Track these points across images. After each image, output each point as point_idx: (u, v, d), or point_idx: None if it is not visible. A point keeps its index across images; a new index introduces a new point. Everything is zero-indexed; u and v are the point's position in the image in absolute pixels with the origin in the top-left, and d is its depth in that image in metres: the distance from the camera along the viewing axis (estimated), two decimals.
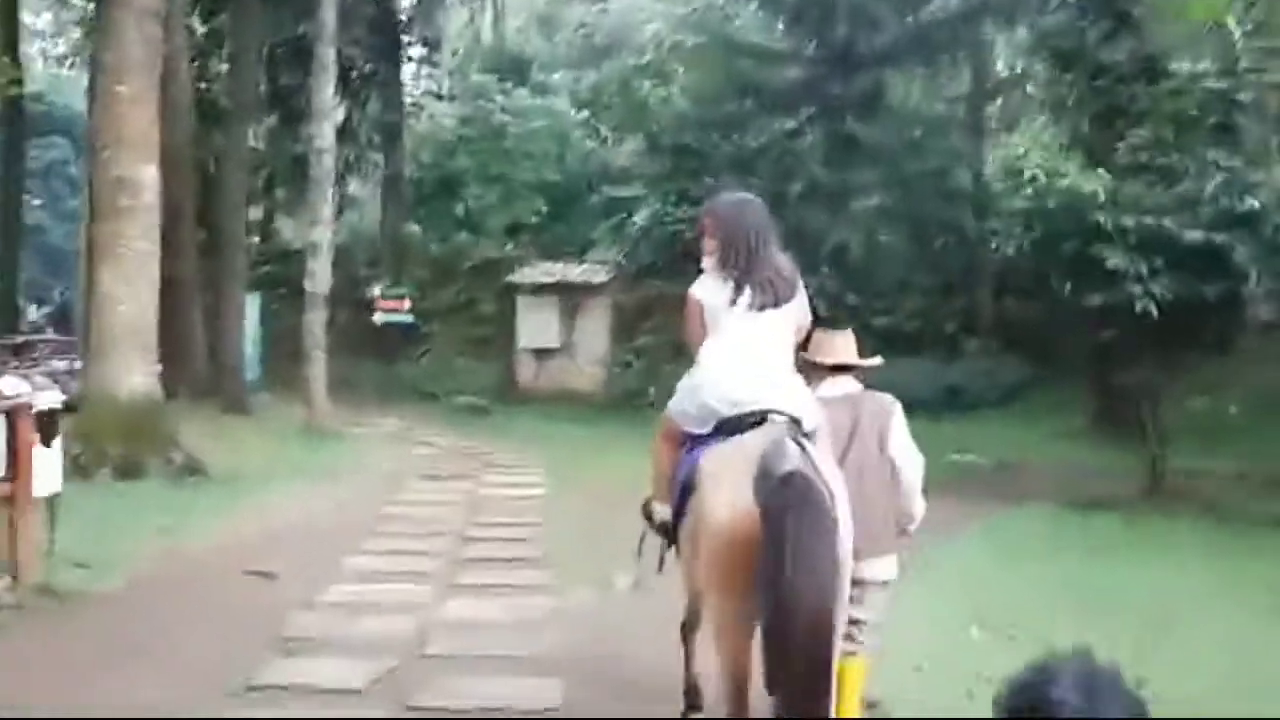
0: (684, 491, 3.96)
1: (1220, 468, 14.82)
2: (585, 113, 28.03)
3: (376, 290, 24.88)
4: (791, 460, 3.53)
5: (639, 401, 18.55)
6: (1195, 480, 13.56)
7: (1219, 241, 11.58)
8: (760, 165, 17.32)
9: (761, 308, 4.08)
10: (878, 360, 4.71)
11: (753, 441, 3.72)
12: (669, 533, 4.24)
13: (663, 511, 4.25)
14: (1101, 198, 12.05)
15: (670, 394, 4.34)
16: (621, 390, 21.74)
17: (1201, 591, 8.23)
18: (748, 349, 4.04)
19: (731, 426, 3.88)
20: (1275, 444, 14.43)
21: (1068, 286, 12.57)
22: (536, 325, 23.25)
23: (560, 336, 23.41)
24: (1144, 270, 11.83)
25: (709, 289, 4.17)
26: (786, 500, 3.44)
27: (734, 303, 4.09)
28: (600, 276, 22.98)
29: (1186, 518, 11.51)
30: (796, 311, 4.21)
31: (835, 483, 3.69)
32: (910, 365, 21.00)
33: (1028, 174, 12.60)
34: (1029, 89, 19.38)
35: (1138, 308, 11.72)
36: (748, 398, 3.91)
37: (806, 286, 4.40)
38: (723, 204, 4.40)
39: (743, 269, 4.10)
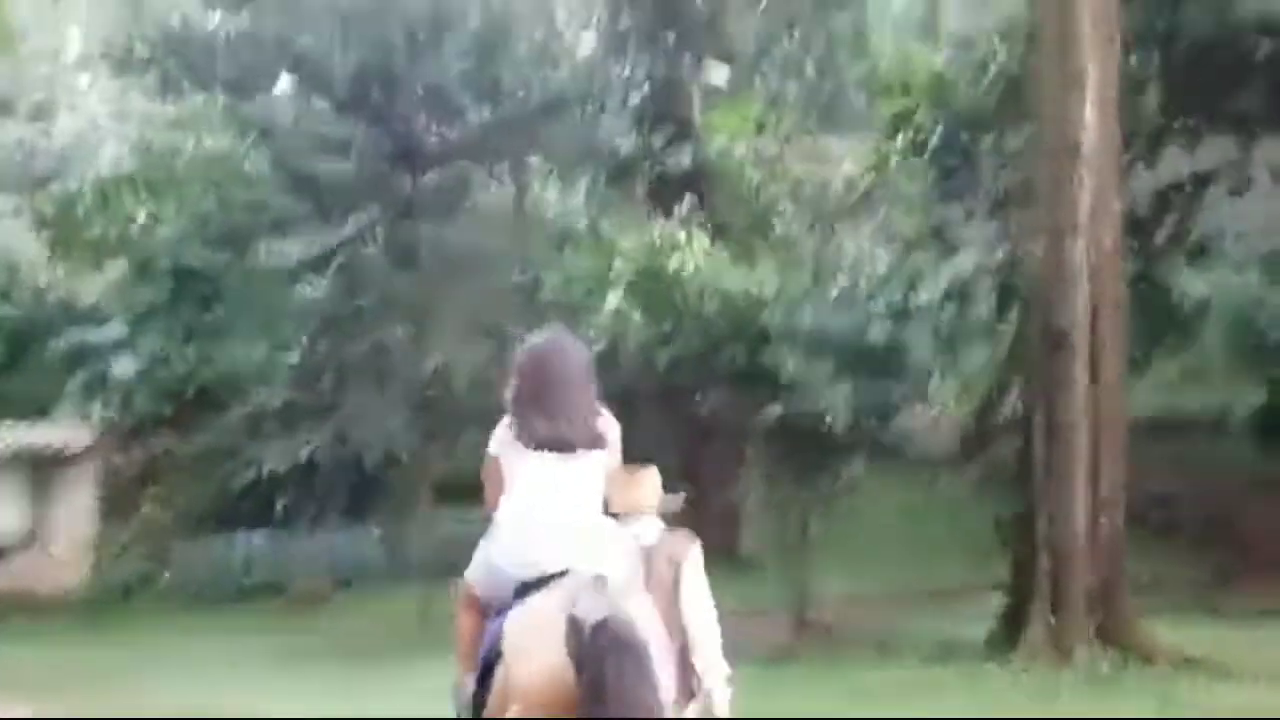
0: (488, 665, 3.70)
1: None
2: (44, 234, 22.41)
3: None
4: (601, 608, 3.40)
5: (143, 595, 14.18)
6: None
7: (898, 339, 10.03)
8: (317, 277, 13.90)
9: (561, 452, 3.81)
10: (679, 498, 4.46)
11: (555, 598, 3.55)
12: (475, 707, 3.86)
13: (467, 687, 3.85)
14: (769, 296, 10.15)
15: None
16: (119, 583, 16.80)
17: None
18: (544, 501, 3.79)
19: (533, 589, 3.65)
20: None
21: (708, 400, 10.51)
22: None
23: (21, 523, 17.83)
24: (820, 376, 10.01)
25: (500, 438, 3.91)
26: (602, 650, 3.33)
27: (528, 448, 3.83)
28: (83, 439, 17.77)
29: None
30: (606, 456, 3.94)
31: (652, 631, 3.59)
32: (477, 514, 18.46)
33: (673, 270, 10.46)
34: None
35: (827, 419, 9.80)
36: (546, 557, 3.69)
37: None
38: (528, 344, 4.06)
39: (540, 411, 3.83)
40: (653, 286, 12.20)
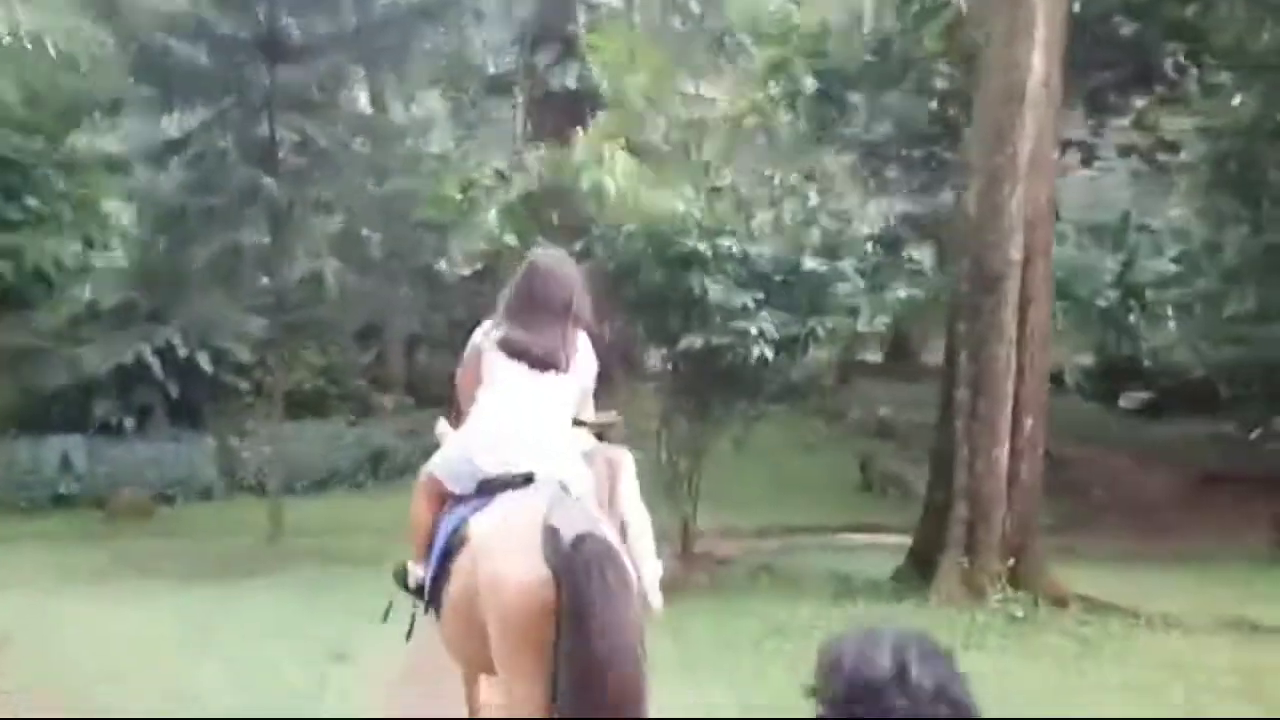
0: (445, 555, 3.77)
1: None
2: None
3: None
4: (581, 522, 3.45)
5: None
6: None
7: (834, 270, 9.71)
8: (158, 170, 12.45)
9: (543, 368, 3.97)
10: (613, 416, 4.50)
11: (529, 503, 3.59)
12: (424, 595, 4.00)
13: (418, 573, 4.04)
14: (696, 219, 9.61)
15: None
16: None
17: None
18: (522, 408, 3.93)
19: (494, 487, 3.77)
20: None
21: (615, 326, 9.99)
22: None
23: None
24: (749, 304, 9.59)
25: (484, 338, 4.08)
26: (586, 564, 3.33)
27: (514, 358, 3.98)
28: None
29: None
30: (582, 377, 4.11)
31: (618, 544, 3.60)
32: (320, 430, 17.41)
33: (588, 186, 9.79)
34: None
35: (754, 351, 9.40)
36: (515, 459, 3.80)
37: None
38: (534, 259, 4.24)
39: (520, 325, 4.01)
40: (555, 204, 11.59)
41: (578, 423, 4.22)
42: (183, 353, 16.01)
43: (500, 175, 15.96)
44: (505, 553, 3.48)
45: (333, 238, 12.95)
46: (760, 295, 9.78)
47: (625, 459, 4.26)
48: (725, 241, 9.71)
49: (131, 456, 15.93)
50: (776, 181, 10.54)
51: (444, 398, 18.53)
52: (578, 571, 3.31)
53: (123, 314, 15.33)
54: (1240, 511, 16.81)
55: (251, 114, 12.65)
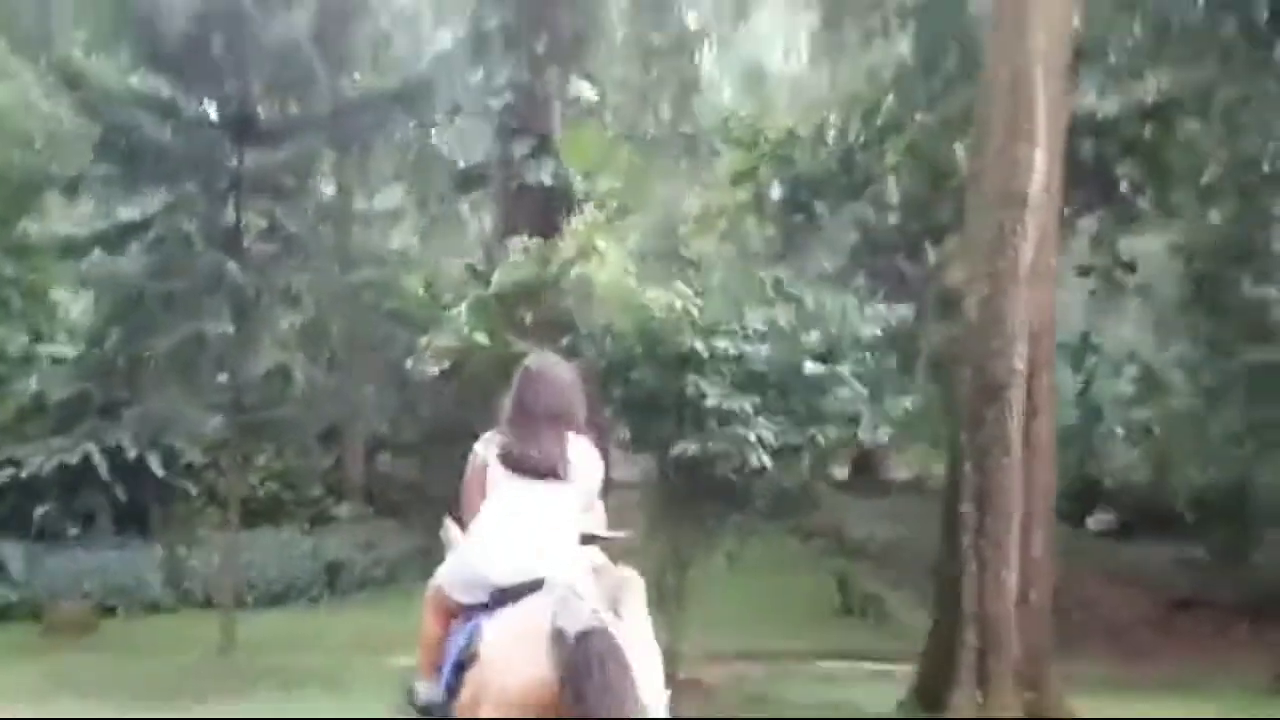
0: (459, 667, 3.76)
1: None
2: None
3: None
4: (584, 619, 3.47)
5: None
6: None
7: (834, 375, 9.25)
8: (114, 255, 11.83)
9: (544, 477, 3.95)
10: (625, 534, 4.51)
11: (538, 605, 3.62)
12: (434, 714, 3.94)
13: (428, 691, 3.95)
14: (693, 317, 9.16)
15: None
16: None
17: None
18: (526, 517, 3.91)
19: (507, 596, 3.75)
20: None
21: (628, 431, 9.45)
22: None
23: None
24: (747, 409, 9.08)
25: (492, 448, 4.05)
26: (587, 660, 3.38)
27: (514, 469, 3.97)
28: None
29: None
30: (588, 484, 4.09)
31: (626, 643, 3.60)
32: (274, 540, 16.55)
33: (575, 280, 9.36)
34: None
35: (751, 459, 8.86)
36: (524, 566, 3.79)
37: None
38: (528, 365, 4.24)
39: (517, 435, 4.01)
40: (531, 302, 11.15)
41: (588, 539, 4.18)
42: (132, 453, 15.18)
43: (472, 270, 15.53)
44: (510, 660, 3.53)
45: (299, 331, 12.29)
46: (757, 399, 9.25)
47: (635, 581, 4.11)
48: (721, 342, 9.22)
49: (73, 565, 14.95)
50: (769, 282, 10.09)
51: (405, 506, 17.67)
52: (579, 667, 3.36)
53: (72, 408, 14.50)
54: (1222, 638, 16.38)
55: (217, 197, 12.12)
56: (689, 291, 9.40)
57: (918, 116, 15.81)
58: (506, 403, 4.14)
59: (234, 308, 11.61)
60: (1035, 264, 9.42)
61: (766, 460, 8.97)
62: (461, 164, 17.10)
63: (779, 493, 9.93)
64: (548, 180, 15.45)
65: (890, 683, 10.65)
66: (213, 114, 12.33)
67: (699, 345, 9.15)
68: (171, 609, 15.83)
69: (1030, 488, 9.36)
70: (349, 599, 17.11)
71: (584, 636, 3.39)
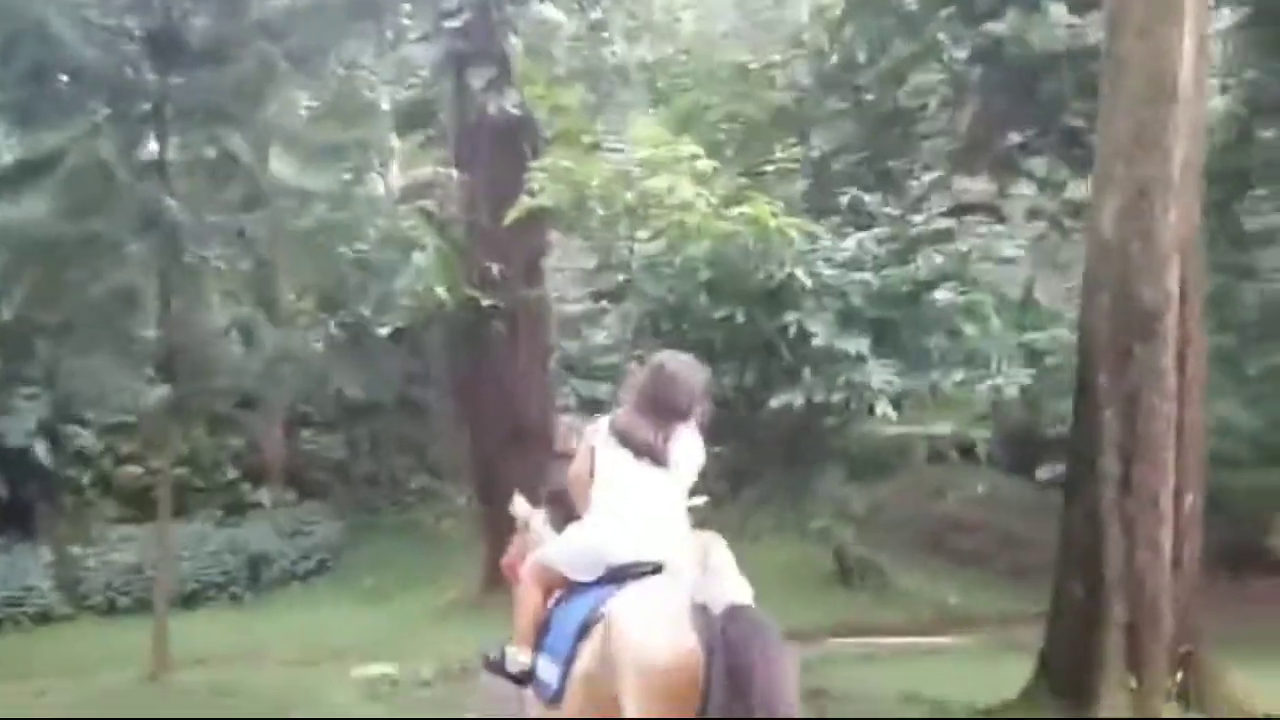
0: (578, 636, 3.85)
1: None
2: None
3: None
4: (727, 595, 3.63)
5: None
6: None
7: (970, 305, 7.57)
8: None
9: (663, 465, 4.09)
10: (702, 500, 4.51)
11: (668, 583, 3.78)
12: (529, 680, 4.15)
13: (521, 659, 4.16)
14: (789, 236, 7.35)
15: None
16: None
17: None
18: (642, 501, 4.05)
19: (624, 575, 3.87)
20: None
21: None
22: None
23: None
24: (863, 350, 7.36)
25: (608, 435, 4.20)
26: (742, 634, 3.46)
27: (635, 455, 4.10)
28: None
29: None
30: (692, 471, 4.22)
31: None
32: (181, 534, 14.30)
33: (654, 191, 7.45)
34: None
35: (877, 410, 7.14)
36: (642, 547, 3.92)
37: None
38: (657, 361, 4.42)
39: (649, 424, 4.13)
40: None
41: None
42: (14, 440, 12.62)
43: (426, 216, 13.42)
44: (652, 629, 3.57)
45: (249, 281, 9.97)
46: (867, 339, 7.51)
47: (718, 542, 4.29)
48: (827, 270, 7.44)
49: None
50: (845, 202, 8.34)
51: (332, 488, 15.21)
52: (734, 641, 3.43)
53: None
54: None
55: (137, 123, 9.71)
56: (773, 209, 7.55)
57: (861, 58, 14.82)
58: (635, 393, 4.30)
59: (170, 253, 9.23)
60: (1184, 167, 7.93)
61: (891, 411, 7.23)
62: (405, 96, 14.80)
63: (875, 450, 8.21)
64: (514, 110, 13.34)
65: (933, 659, 10.08)
66: (133, 26, 9.92)
67: (799, 273, 7.33)
68: (68, 618, 13.82)
69: (1182, 435, 7.89)
70: (277, 595, 15.08)
71: (732, 612, 3.52)
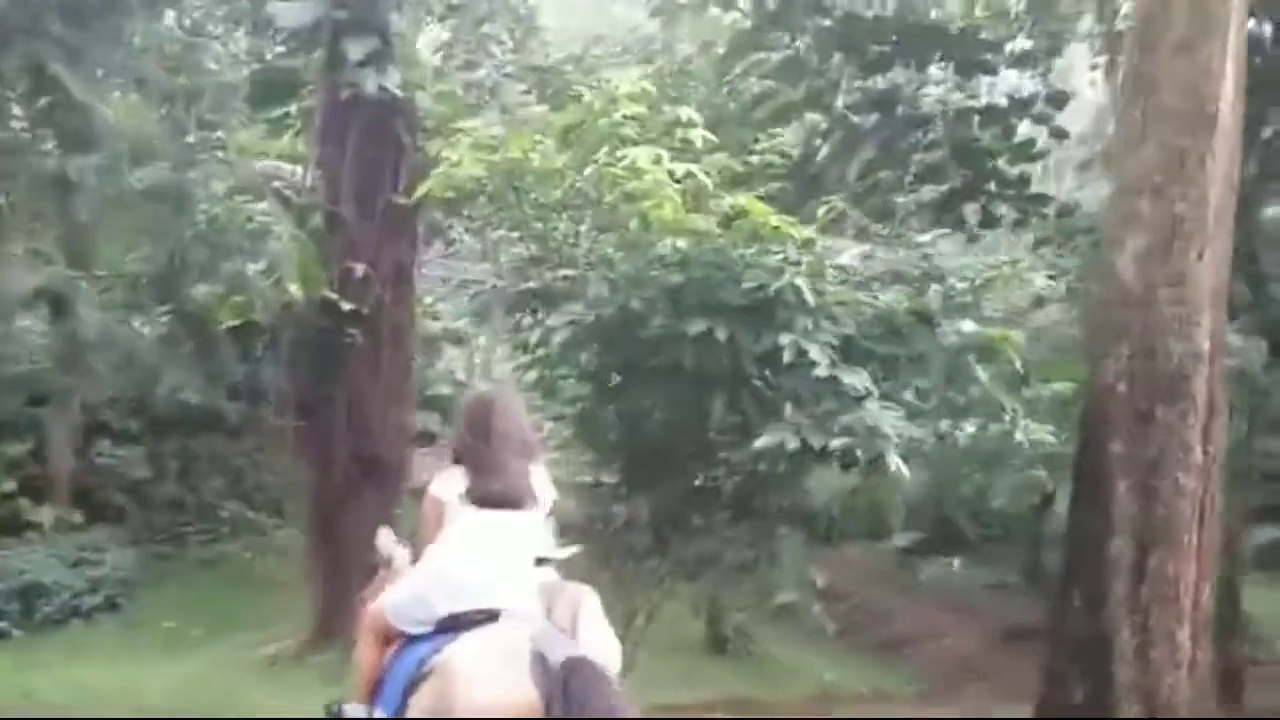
0: (409, 690, 3.69)
1: None
2: None
3: None
4: (567, 646, 3.52)
5: None
6: None
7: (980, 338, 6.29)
8: None
9: (507, 508, 3.96)
10: (574, 549, 4.27)
11: (506, 632, 3.64)
12: None
13: (360, 715, 3.92)
14: (790, 234, 5.96)
15: None
16: None
17: None
18: (484, 548, 3.90)
19: (459, 624, 3.73)
20: None
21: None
22: None
23: None
24: (868, 385, 5.98)
25: (445, 484, 4.06)
26: (581, 686, 3.37)
27: (479, 504, 3.96)
28: None
29: None
30: (544, 511, 4.09)
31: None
32: None
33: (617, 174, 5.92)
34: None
35: (890, 462, 5.76)
36: (479, 595, 3.77)
37: None
38: (473, 398, 4.41)
39: (477, 468, 4.00)
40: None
41: (539, 560, 4.07)
42: None
43: (283, 200, 11.47)
44: (486, 680, 3.48)
45: (67, 245, 7.80)
46: (866, 373, 6.11)
47: (589, 595, 3.98)
48: (829, 285, 6.03)
49: None
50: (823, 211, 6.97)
51: (128, 512, 12.97)
52: (574, 693, 3.34)
53: None
54: None
55: None
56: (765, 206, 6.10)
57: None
58: (456, 438, 4.17)
59: None
60: (1218, 211, 6.91)
61: (904, 467, 5.83)
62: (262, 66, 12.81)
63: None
64: (396, 89, 11.54)
65: None
66: None
67: (801, 285, 5.87)
68: None
69: (1203, 517, 6.81)
70: (54, 635, 12.49)
71: (571, 664, 3.40)
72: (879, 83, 14.90)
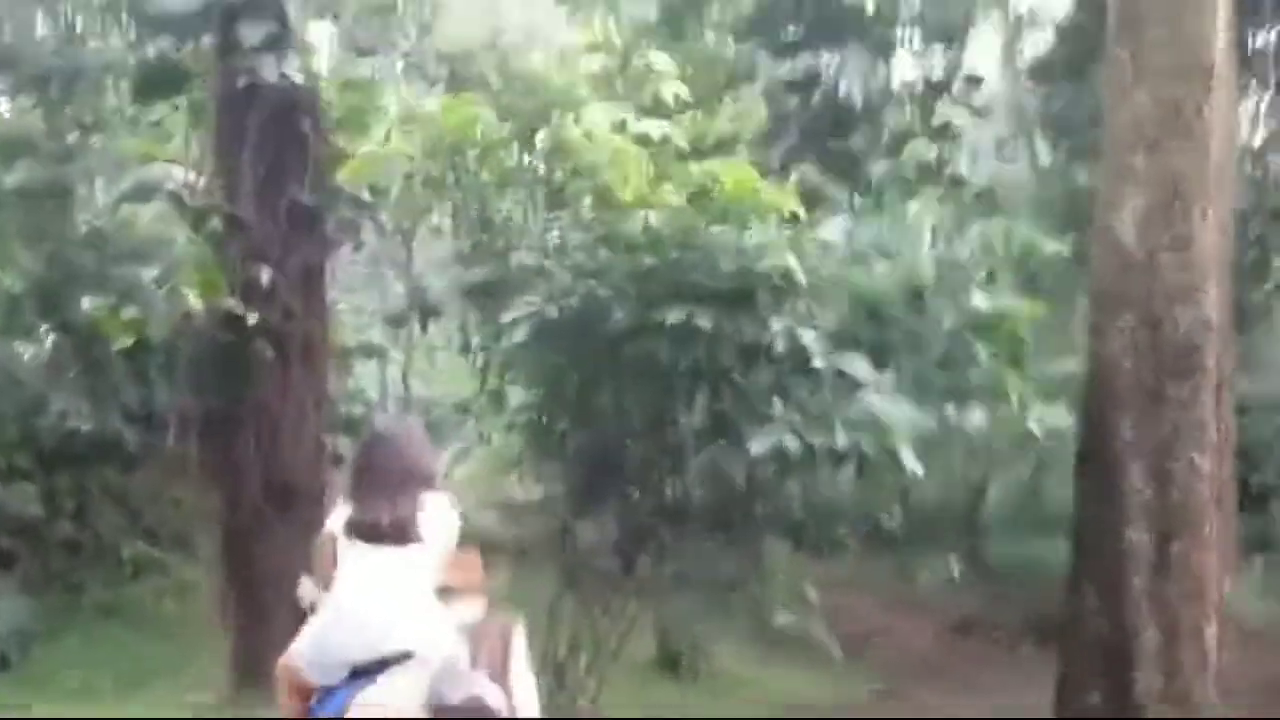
0: None
1: None
2: None
3: None
4: (466, 685, 3.53)
5: None
6: None
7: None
8: None
9: (397, 542, 3.79)
10: (504, 578, 4.37)
11: (410, 677, 3.59)
12: None
13: None
14: (777, 205, 5.28)
15: None
16: None
17: None
18: (380, 587, 3.76)
19: (372, 671, 3.65)
20: None
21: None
22: None
23: None
24: (869, 375, 5.32)
25: (337, 519, 3.92)
26: None
27: (365, 540, 3.81)
28: None
29: None
30: (444, 541, 3.89)
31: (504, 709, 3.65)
32: None
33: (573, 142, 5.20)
34: None
35: (906, 465, 5.11)
36: (383, 639, 3.66)
37: None
38: (374, 429, 4.37)
39: (357, 502, 3.88)
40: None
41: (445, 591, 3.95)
42: None
43: (178, 201, 10.46)
44: None
45: None
46: (864, 360, 5.43)
47: (515, 628, 3.93)
48: (827, 266, 5.34)
49: None
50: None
51: (19, 555, 11.77)
52: None
53: None
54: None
55: None
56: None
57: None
58: (349, 470, 4.13)
59: None
60: (1219, 168, 6.39)
61: (918, 466, 5.16)
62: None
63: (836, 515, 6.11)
64: (297, 77, 10.58)
65: None
66: None
67: (792, 263, 5.15)
68: None
69: (1220, 502, 6.29)
70: None
71: (469, 703, 3.42)
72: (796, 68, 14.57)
